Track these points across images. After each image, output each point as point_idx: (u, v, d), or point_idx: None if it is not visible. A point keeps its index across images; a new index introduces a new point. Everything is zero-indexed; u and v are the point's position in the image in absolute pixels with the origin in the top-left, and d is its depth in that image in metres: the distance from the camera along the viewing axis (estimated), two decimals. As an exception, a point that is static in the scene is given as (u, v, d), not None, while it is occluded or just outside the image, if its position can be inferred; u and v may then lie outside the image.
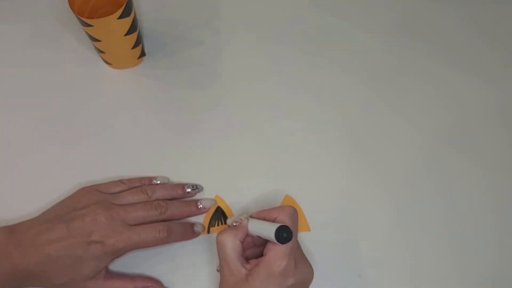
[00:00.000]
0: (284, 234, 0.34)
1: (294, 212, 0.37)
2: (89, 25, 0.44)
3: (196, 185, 0.45)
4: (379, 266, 0.43)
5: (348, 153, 0.48)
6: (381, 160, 0.48)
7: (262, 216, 0.38)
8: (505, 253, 0.44)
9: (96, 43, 0.47)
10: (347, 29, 0.55)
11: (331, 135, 0.49)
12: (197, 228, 0.43)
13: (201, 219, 0.44)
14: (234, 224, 0.39)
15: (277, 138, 0.49)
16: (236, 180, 0.46)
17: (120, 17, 0.43)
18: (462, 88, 0.52)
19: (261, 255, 0.37)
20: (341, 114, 0.50)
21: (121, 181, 0.43)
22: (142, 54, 0.52)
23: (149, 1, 0.56)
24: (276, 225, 0.35)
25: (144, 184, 0.44)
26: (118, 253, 0.38)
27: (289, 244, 0.35)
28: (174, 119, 0.49)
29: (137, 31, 0.48)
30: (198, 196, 0.45)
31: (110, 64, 0.51)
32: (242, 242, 0.38)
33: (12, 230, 0.38)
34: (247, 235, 0.38)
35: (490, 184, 0.47)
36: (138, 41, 0.49)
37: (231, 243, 0.36)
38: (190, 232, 0.42)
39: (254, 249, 0.40)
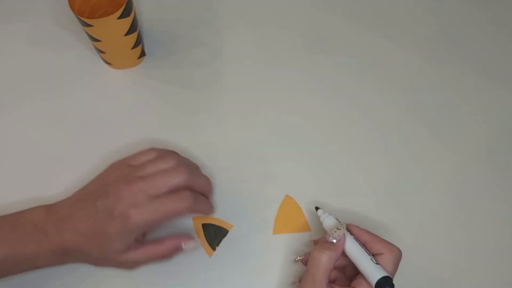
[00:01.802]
0: (387, 287, 0.33)
1: (400, 257, 0.36)
2: (89, 25, 0.44)
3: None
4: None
5: (349, 153, 0.48)
6: (382, 160, 0.48)
7: (364, 240, 0.37)
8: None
9: (96, 43, 0.47)
10: (348, 29, 0.55)
11: (333, 135, 0.49)
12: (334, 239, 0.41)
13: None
14: (333, 240, 0.37)
15: (278, 138, 0.49)
16: (237, 180, 0.46)
17: (120, 17, 0.43)
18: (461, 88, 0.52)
19: (343, 270, 0.37)
20: (343, 114, 0.50)
21: (151, 149, 0.41)
22: (142, 54, 0.52)
23: (149, 1, 0.56)
24: (381, 273, 0.33)
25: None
26: (144, 227, 0.38)
27: None
28: (174, 119, 0.49)
29: (137, 31, 0.48)
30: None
31: (110, 64, 0.52)
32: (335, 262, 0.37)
33: (50, 208, 0.39)
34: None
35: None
36: (138, 41, 0.49)
37: (326, 264, 0.35)
38: (210, 206, 0.42)
39: (340, 261, 0.38)
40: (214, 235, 0.44)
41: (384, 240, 0.37)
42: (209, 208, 0.42)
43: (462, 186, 0.47)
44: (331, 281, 0.38)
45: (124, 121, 0.49)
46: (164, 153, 0.41)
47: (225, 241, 0.44)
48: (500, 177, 0.47)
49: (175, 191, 0.38)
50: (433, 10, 0.57)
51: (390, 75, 0.53)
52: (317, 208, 0.41)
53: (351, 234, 0.38)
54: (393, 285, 0.33)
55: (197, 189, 0.40)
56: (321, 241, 0.38)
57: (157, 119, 0.49)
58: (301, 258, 0.40)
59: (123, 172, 0.39)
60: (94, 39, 0.46)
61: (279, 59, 0.53)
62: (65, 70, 0.52)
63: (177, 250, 0.39)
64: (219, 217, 0.44)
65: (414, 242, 0.44)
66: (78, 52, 0.53)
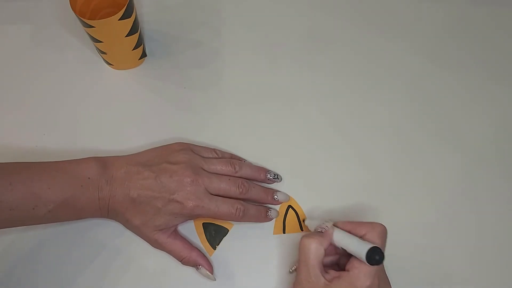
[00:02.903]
0: (377, 257, 0.33)
1: (385, 231, 0.37)
2: (90, 26, 0.44)
3: (277, 175, 0.45)
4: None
5: (351, 153, 0.48)
6: (384, 159, 0.48)
7: (349, 228, 0.38)
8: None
9: (98, 44, 0.47)
10: (348, 29, 0.55)
11: (335, 135, 0.49)
12: (271, 213, 0.43)
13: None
14: (320, 230, 0.38)
15: (278, 138, 0.49)
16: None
17: (121, 18, 0.44)
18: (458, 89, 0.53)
19: (337, 263, 0.37)
20: (344, 114, 0.50)
21: (214, 150, 0.44)
22: (143, 55, 0.52)
23: (150, 2, 0.57)
24: (368, 245, 0.34)
25: (234, 158, 0.45)
26: (193, 217, 0.41)
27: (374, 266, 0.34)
28: (175, 119, 0.50)
29: (138, 32, 0.48)
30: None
31: (112, 65, 0.52)
32: (325, 250, 0.37)
33: (106, 165, 0.40)
34: (331, 243, 0.38)
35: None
36: (139, 42, 0.50)
37: (315, 249, 0.36)
38: (263, 216, 0.43)
39: (333, 257, 0.39)
40: (215, 234, 0.44)
41: (365, 222, 0.38)
42: (262, 218, 0.43)
43: (466, 185, 0.47)
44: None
45: (125, 122, 0.49)
46: (229, 157, 0.44)
47: (225, 241, 0.44)
48: (505, 176, 0.48)
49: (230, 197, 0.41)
50: (433, 10, 0.57)
51: (391, 75, 0.53)
52: (303, 221, 0.43)
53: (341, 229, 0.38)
54: (383, 253, 0.33)
55: (250, 200, 0.43)
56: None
57: (158, 119, 0.49)
58: (295, 268, 0.41)
59: (190, 158, 0.41)
60: (96, 40, 0.47)
61: (279, 59, 0.53)
62: (66, 71, 0.52)
63: (194, 265, 0.41)
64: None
65: (415, 242, 0.44)
66: (79, 53, 0.53)
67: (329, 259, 0.39)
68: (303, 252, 0.36)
